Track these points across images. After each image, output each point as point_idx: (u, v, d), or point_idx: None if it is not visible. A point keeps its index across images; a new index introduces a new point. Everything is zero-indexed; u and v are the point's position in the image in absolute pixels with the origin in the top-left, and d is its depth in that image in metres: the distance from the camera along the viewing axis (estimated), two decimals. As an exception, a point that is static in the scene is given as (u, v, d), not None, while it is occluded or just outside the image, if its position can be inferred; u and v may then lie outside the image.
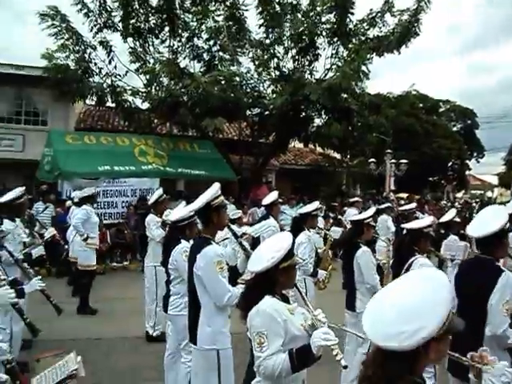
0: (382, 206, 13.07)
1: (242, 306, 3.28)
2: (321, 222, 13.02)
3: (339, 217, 15.46)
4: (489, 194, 48.49)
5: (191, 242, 5.00)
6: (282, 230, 9.08)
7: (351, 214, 11.59)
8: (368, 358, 1.99)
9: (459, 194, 32.58)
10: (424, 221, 5.53)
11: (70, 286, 11.47)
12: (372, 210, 6.63)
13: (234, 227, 5.65)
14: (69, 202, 13.41)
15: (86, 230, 9.92)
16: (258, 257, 3.25)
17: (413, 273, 2.17)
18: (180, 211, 5.63)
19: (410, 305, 1.83)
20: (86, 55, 18.48)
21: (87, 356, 5.67)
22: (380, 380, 1.83)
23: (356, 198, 16.46)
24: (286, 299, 3.29)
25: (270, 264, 3.10)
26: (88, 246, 9.97)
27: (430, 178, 35.43)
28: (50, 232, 8.16)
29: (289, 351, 2.98)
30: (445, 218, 8.59)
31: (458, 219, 8.68)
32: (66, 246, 10.85)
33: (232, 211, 10.31)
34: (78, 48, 18.25)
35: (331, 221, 15.09)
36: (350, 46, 18.98)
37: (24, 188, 7.61)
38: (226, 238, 6.00)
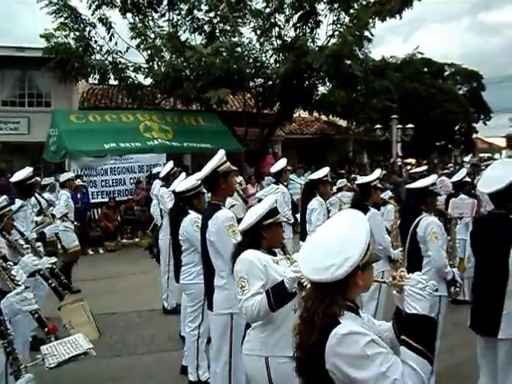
0: None
1: (232, 262, 3.47)
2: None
3: (347, 184, 15.43)
4: (497, 156, 48.18)
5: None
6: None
7: None
8: (307, 293, 2.25)
9: (467, 158, 32.31)
10: (428, 179, 5.31)
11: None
12: (378, 173, 6.55)
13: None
14: (77, 181, 13.49)
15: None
16: (246, 217, 3.50)
17: (335, 216, 2.41)
18: (185, 182, 5.58)
19: (335, 241, 2.12)
20: (86, 33, 18.29)
21: (104, 331, 5.74)
22: (318, 308, 2.06)
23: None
24: (273, 254, 3.48)
25: (253, 221, 3.37)
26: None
27: (437, 143, 35.10)
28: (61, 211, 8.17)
29: (266, 290, 3.17)
30: (455, 178, 8.53)
31: (468, 179, 8.59)
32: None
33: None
34: (77, 26, 18.07)
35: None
36: (351, 11, 18.66)
37: (32, 169, 7.61)
38: (234, 205, 5.98)
